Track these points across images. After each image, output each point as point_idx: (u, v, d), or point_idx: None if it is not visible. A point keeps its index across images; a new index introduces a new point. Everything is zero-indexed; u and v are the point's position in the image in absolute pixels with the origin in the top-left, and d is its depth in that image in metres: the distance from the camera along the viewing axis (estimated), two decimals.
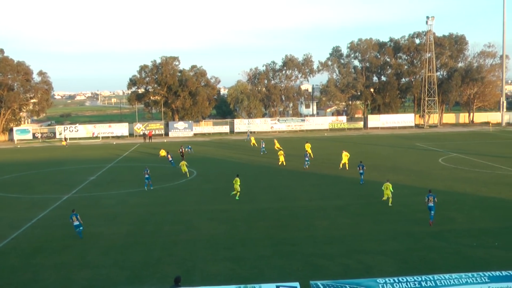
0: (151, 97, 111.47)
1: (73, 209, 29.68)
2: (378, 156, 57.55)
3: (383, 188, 35.16)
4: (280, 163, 53.49)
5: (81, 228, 28.39)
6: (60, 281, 21.98)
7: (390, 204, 34.00)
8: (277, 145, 62.03)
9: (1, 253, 26.42)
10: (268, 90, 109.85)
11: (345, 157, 49.66)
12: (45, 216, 34.21)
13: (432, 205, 28.93)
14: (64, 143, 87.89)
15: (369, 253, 24.13)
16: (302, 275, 20.97)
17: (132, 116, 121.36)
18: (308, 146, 58.37)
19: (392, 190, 34.54)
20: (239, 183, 37.77)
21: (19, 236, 29.46)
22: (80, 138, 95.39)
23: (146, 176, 42.88)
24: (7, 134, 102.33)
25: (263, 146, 65.33)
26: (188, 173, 48.60)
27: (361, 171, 42.12)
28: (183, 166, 48.99)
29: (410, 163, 52.07)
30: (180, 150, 62.46)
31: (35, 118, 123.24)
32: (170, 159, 56.38)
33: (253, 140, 73.64)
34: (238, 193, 37.65)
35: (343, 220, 30.76)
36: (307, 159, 51.89)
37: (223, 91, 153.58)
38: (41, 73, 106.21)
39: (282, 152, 55.50)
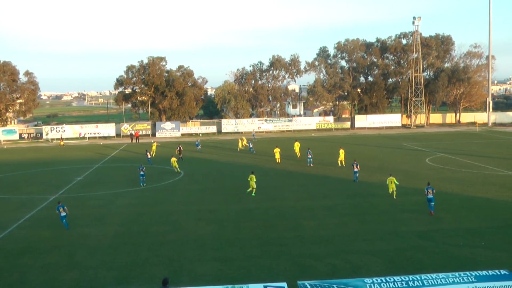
0: (138, 98, 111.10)
1: (59, 201, 31.39)
2: (365, 156, 57.73)
3: (387, 182, 36.60)
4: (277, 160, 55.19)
5: (64, 220, 30.17)
6: (48, 282, 21.88)
7: (394, 198, 35.46)
8: (296, 149, 59.32)
9: None
10: (255, 90, 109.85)
11: (342, 154, 50.34)
12: (32, 216, 33.98)
13: (432, 196, 31.17)
14: (62, 143, 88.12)
15: (357, 253, 24.24)
16: (289, 275, 21.03)
17: (119, 117, 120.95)
18: (297, 145, 58.82)
19: (397, 183, 36.09)
20: (254, 180, 38.58)
21: (5, 237, 29.27)
22: (67, 139, 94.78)
23: (141, 173, 44.16)
24: None
25: (251, 145, 66.72)
26: (177, 169, 50.09)
27: (356, 169, 42.86)
28: (174, 162, 51.06)
29: (397, 163, 52.36)
30: (178, 148, 63.07)
31: (21, 118, 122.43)
32: (149, 157, 58.72)
33: (244, 141, 72.95)
34: (254, 190, 38.31)
35: (331, 220, 30.85)
36: (309, 157, 52.61)
37: (210, 92, 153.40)
38: (27, 73, 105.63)
39: (278, 149, 56.24)
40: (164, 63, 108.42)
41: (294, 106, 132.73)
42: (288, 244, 26.05)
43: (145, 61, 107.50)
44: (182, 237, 27.98)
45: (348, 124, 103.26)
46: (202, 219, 31.68)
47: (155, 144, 67.96)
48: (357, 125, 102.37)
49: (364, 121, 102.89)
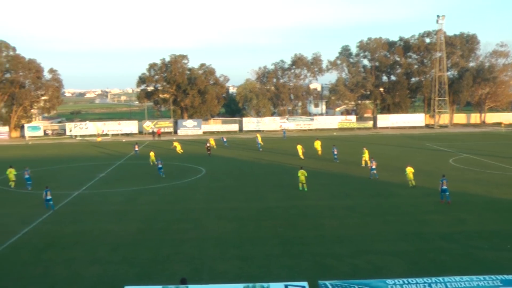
0: (160, 95, 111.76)
1: (46, 186, 35.80)
2: (387, 156, 57.31)
3: (406, 172, 39.02)
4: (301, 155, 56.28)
5: (51, 202, 34.66)
6: (71, 276, 22.10)
7: (413, 185, 38.75)
8: (318, 147, 60.06)
9: (13, 248, 26.63)
10: (277, 88, 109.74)
11: (366, 153, 50.07)
12: (56, 212, 34.33)
13: (446, 187, 33.37)
14: (99, 139, 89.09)
15: (378, 253, 24.05)
16: (310, 274, 20.91)
17: (141, 114, 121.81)
18: (318, 144, 58.79)
19: (413, 171, 39.00)
20: (306, 175, 39.18)
21: (30, 231, 29.65)
22: (89, 135, 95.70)
23: (159, 166, 47.95)
24: (19, 130, 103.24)
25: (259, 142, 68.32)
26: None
27: (373, 166, 43.54)
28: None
29: (420, 163, 51.66)
30: (207, 144, 64.26)
31: (46, 115, 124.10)
32: (136, 149, 64.11)
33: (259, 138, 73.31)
34: (305, 185, 38.91)
35: (352, 220, 30.65)
36: (335, 153, 54.06)
37: (232, 90, 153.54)
38: (51, 71, 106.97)
39: (301, 146, 57.45)
40: (186, 61, 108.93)
41: (316, 105, 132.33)
42: (309, 243, 25.95)
43: (167, 59, 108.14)
44: (203, 234, 28.03)
45: (370, 124, 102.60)
46: (223, 217, 31.72)
47: (177, 144, 67.72)
48: (379, 124, 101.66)
49: (387, 120, 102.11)
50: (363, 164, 49.73)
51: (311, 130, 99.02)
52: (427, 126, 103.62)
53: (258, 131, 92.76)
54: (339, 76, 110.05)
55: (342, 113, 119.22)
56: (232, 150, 68.32)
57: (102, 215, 33.16)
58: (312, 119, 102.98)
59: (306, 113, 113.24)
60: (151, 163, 54.01)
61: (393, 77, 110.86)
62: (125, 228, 29.75)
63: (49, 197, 34.70)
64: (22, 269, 23.19)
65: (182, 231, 28.83)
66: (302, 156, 56.32)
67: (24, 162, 51.42)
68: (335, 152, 54.35)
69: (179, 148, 65.50)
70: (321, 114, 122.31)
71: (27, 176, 43.87)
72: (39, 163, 58.37)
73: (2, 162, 55.10)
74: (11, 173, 44.47)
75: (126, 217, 32.71)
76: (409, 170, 39.36)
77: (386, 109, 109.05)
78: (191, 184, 44.06)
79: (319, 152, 58.53)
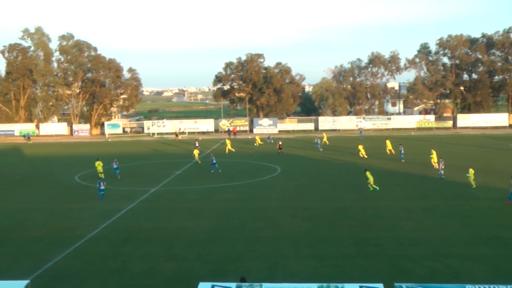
0: (236, 94, 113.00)
1: (100, 177, 40.73)
2: (467, 157, 55.38)
3: (468, 174, 38.34)
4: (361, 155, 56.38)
5: (102, 193, 37.90)
6: (147, 270, 22.64)
7: (474, 186, 37.99)
8: (389, 147, 59.05)
9: (93, 241, 27.59)
10: (354, 87, 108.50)
11: (434, 154, 48.54)
12: (133, 207, 35.37)
13: None
14: (179, 137, 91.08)
15: (457, 257, 23.24)
16: (386, 276, 20.50)
17: (218, 112, 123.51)
18: (388, 142, 58.88)
19: (473, 172, 38.30)
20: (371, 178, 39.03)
21: (109, 226, 30.63)
22: (167, 133, 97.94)
23: (214, 161, 49.75)
24: (99, 128, 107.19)
25: (319, 141, 68.18)
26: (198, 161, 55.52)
27: (441, 166, 42.68)
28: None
29: (503, 165, 49.56)
30: (278, 143, 64.28)
31: (124, 113, 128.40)
32: (197, 145, 65.58)
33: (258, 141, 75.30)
34: (374, 185, 38.65)
35: (429, 221, 29.80)
36: (402, 152, 53.94)
37: (308, 89, 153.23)
38: (130, 70, 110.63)
39: (362, 146, 57.84)
40: (262, 60, 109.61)
41: (393, 104, 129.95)
42: (385, 244, 25.46)
43: (243, 58, 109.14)
44: (277, 233, 28.04)
45: (449, 124, 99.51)
46: (297, 216, 31.64)
47: (229, 142, 68.69)
48: (459, 124, 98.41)
49: (467, 120, 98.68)
50: (435, 166, 47.74)
51: (388, 129, 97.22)
52: (511, 126, 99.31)
53: (324, 130, 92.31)
54: (418, 74, 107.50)
55: (420, 113, 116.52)
56: (307, 149, 68.03)
57: (178, 211, 33.85)
58: (389, 119, 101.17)
59: (383, 112, 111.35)
60: (199, 162, 55.24)
61: (474, 76, 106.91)
62: (200, 225, 30.20)
63: (102, 187, 38.04)
64: (101, 262, 23.98)
65: (257, 229, 28.96)
66: (366, 156, 56.15)
67: (106, 158, 53.21)
68: (402, 151, 54.08)
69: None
70: (399, 114, 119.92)
71: (115, 166, 47.87)
72: (118, 159, 60.12)
73: (87, 158, 57.33)
74: (100, 165, 47.01)
75: (201, 214, 33.21)
76: (471, 172, 38.58)
77: (467, 108, 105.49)
78: (266, 183, 44.24)
79: (393, 151, 57.69)
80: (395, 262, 22.84)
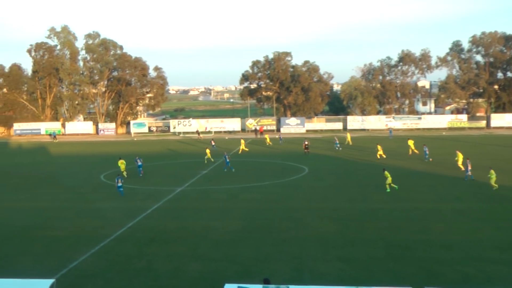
0: (263, 93, 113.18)
1: (118, 174, 41.95)
2: (501, 158, 54.48)
3: (489, 175, 37.76)
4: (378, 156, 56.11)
5: (121, 189, 38.96)
6: (172, 271, 22.76)
7: (496, 187, 37.44)
8: (412, 146, 59.43)
9: (118, 240, 27.84)
10: (383, 86, 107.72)
11: (460, 156, 47.60)
12: (159, 207, 35.61)
13: None
14: (201, 136, 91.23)
15: (491, 261, 22.84)
16: (416, 280, 20.29)
17: (244, 111, 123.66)
18: (411, 142, 59.38)
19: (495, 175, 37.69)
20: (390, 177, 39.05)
21: (134, 225, 30.87)
22: (193, 133, 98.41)
23: (227, 160, 50.18)
24: (125, 127, 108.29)
25: (337, 141, 68.03)
26: (211, 159, 55.80)
27: (469, 168, 42.33)
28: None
29: None
30: (305, 143, 63.91)
31: (150, 112, 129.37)
32: (213, 144, 66.72)
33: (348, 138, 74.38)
34: (392, 184, 38.81)
35: (461, 224, 29.42)
36: (427, 152, 54.00)
37: (336, 87, 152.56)
38: (156, 69, 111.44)
39: (380, 146, 57.50)
40: (289, 58, 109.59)
41: (424, 104, 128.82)
42: (415, 247, 25.18)
43: (271, 56, 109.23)
44: (305, 234, 27.97)
45: (483, 123, 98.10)
46: (325, 217, 31.52)
47: (242, 142, 68.57)
48: (493, 124, 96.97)
49: (502, 120, 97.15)
50: (463, 168, 46.73)
51: (418, 129, 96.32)
52: None
53: (347, 130, 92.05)
54: (450, 73, 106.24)
55: (452, 112, 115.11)
56: (334, 148, 67.72)
57: (204, 211, 33.96)
58: (420, 118, 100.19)
59: (413, 111, 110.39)
60: (205, 161, 55.53)
61: (509, 74, 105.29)
62: (226, 225, 30.27)
63: (119, 184, 39.03)
64: (126, 261, 24.16)
65: (284, 230, 28.92)
66: (384, 156, 55.99)
67: (131, 157, 53.68)
68: (427, 152, 54.12)
69: (243, 147, 66.53)
70: (430, 113, 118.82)
71: (139, 164, 48.89)
72: (144, 159, 60.56)
73: (112, 157, 57.85)
74: (123, 164, 48.28)
75: (227, 214, 33.30)
76: (492, 173, 38.21)
77: (501, 108, 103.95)
78: (294, 183, 44.18)
79: (416, 151, 57.99)
80: (425, 265, 22.56)
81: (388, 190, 38.43)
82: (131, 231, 29.67)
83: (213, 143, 69.67)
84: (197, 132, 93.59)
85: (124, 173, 47.14)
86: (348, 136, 74.59)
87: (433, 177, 44.57)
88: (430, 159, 53.38)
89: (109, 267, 23.45)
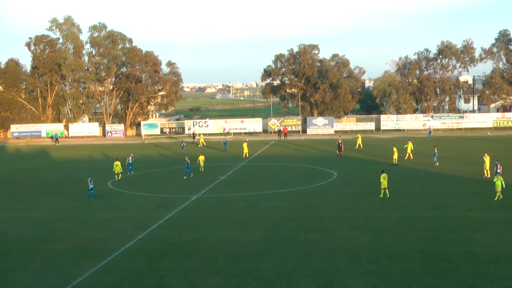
0: (288, 90, 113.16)
1: (88, 176, 43.29)
2: None
3: (495, 181, 37.59)
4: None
5: (92, 191, 41.44)
6: (188, 287, 22.81)
7: (496, 199, 36.78)
8: (410, 148, 59.89)
9: (128, 254, 27.90)
10: (420, 82, 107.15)
11: (487, 160, 46.96)
12: (172, 217, 35.73)
13: None
14: (199, 140, 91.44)
15: None
16: None
17: (267, 111, 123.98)
18: (410, 145, 59.78)
19: (504, 186, 37.00)
20: (387, 179, 39.54)
21: (146, 237, 30.97)
22: (210, 134, 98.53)
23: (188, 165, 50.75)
24: (135, 128, 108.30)
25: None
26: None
27: (498, 170, 42.40)
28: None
29: None
30: (339, 143, 63.49)
31: (163, 112, 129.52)
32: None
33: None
34: (387, 190, 39.25)
35: (510, 235, 29.14)
36: (436, 155, 54.39)
37: (368, 83, 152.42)
38: (170, 64, 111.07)
39: (396, 149, 56.66)
40: (316, 52, 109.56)
41: (467, 101, 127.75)
42: (457, 260, 25.00)
43: (296, 49, 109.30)
44: (334, 246, 27.91)
45: None
46: (356, 227, 31.41)
47: (245, 145, 68.03)
48: None
49: None
50: (487, 175, 46.01)
51: (460, 129, 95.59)
52: None
53: (360, 131, 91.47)
54: (496, 66, 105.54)
55: (498, 110, 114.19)
56: (366, 151, 67.50)
57: (222, 221, 33.99)
58: (462, 117, 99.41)
59: (454, 109, 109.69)
60: (201, 169, 54.26)
61: None
62: (247, 237, 30.29)
63: (91, 186, 41.49)
64: (137, 277, 24.23)
65: (310, 242, 28.87)
66: (396, 160, 55.79)
67: (141, 163, 53.90)
68: (437, 154, 54.58)
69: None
70: (473, 111, 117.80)
71: (130, 162, 50.84)
72: (155, 163, 61.06)
73: (121, 162, 58.10)
74: (117, 166, 49.95)
75: (248, 224, 33.32)
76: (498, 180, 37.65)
77: None
78: (321, 189, 44.09)
79: (411, 156, 58.93)
80: (469, 281, 22.41)
81: (381, 196, 39.19)
82: (142, 243, 29.76)
83: (183, 144, 70.79)
84: (193, 136, 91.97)
85: (119, 176, 49.66)
86: (359, 138, 73.23)
87: (480, 183, 44.02)
88: (437, 163, 53.44)
89: (118, 284, 23.53)
